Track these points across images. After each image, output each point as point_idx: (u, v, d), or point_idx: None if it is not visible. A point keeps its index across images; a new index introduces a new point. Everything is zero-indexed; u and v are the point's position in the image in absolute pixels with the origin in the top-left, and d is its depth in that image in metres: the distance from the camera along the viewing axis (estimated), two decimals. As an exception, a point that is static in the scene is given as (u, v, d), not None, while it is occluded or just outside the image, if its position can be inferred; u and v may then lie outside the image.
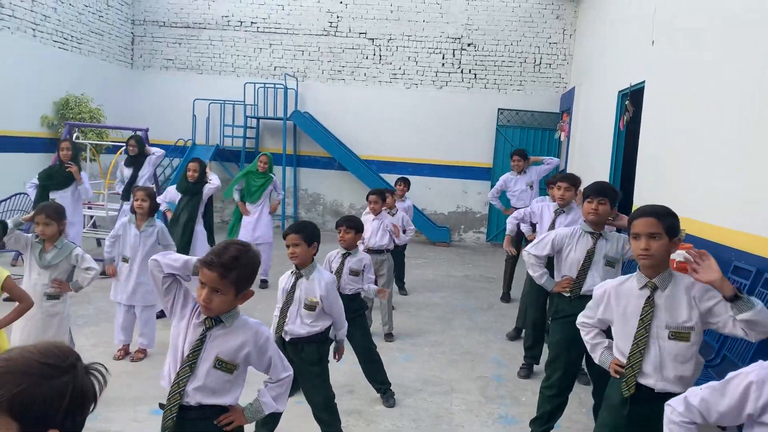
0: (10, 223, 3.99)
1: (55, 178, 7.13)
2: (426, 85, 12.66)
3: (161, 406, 2.36)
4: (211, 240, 6.84)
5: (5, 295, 3.56)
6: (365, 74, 12.77)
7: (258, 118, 12.67)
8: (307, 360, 3.53)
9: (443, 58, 12.59)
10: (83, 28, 11.52)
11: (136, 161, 7.99)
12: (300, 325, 3.50)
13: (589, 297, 3.65)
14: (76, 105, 10.73)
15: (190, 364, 2.30)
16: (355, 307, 4.41)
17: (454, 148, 12.55)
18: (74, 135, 9.38)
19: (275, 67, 12.97)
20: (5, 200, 8.32)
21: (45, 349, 1.28)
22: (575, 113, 10.61)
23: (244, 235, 7.45)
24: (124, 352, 5.10)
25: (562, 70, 12.39)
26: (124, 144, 8.37)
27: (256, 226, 7.55)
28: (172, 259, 2.37)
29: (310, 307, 3.47)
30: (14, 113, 9.77)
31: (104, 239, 9.20)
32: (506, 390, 4.96)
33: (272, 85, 12.45)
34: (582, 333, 3.01)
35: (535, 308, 5.35)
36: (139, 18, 13.15)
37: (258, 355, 2.39)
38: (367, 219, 5.93)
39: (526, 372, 5.29)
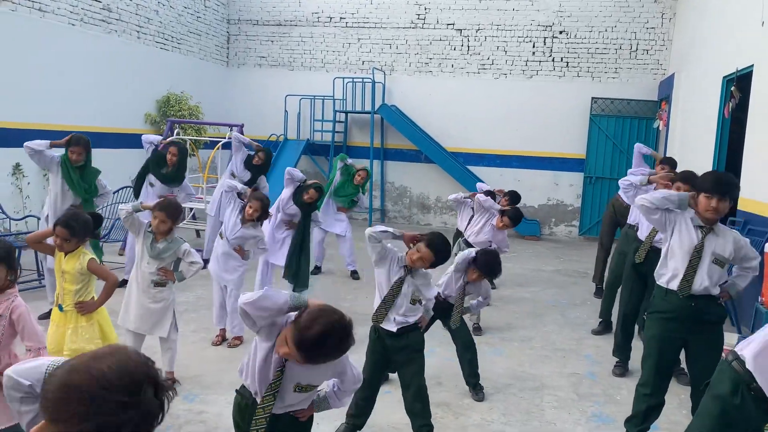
0: (130, 206, 4.25)
1: (159, 167, 7.37)
2: (515, 75, 12.40)
3: (238, 393, 2.53)
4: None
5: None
6: (453, 66, 12.67)
7: (346, 113, 12.85)
8: (414, 346, 3.58)
9: (533, 47, 12.29)
10: (183, 29, 12.09)
11: (257, 170, 8.26)
12: (405, 315, 3.54)
13: (698, 296, 3.47)
14: (176, 102, 11.29)
15: (273, 392, 2.37)
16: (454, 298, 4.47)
17: (544, 138, 12.24)
18: (175, 131, 9.86)
19: (363, 62, 13.10)
20: (114, 193, 8.85)
21: (118, 373, 1.21)
22: (675, 101, 10.07)
23: (326, 227, 7.71)
24: (222, 338, 5.32)
25: (661, 56, 11.80)
26: (224, 138, 8.70)
27: (335, 223, 7.82)
28: (262, 308, 2.23)
29: (417, 301, 3.53)
30: (120, 111, 10.40)
31: (203, 230, 9.65)
32: (600, 388, 4.80)
33: (360, 80, 12.59)
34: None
35: (627, 302, 5.15)
36: (234, 17, 13.65)
37: (335, 375, 2.50)
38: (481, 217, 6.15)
39: (622, 370, 5.09)
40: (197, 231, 10.08)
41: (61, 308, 3.65)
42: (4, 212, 7.58)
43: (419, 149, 12.45)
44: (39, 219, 7.72)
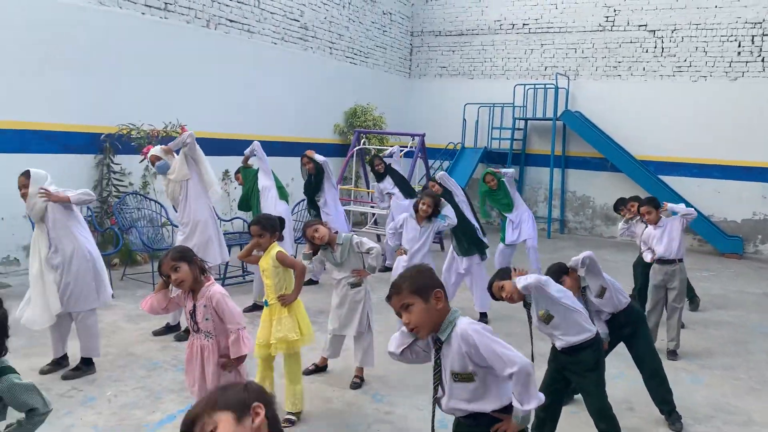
0: (303, 258, 4.41)
1: (308, 186, 7.85)
2: (717, 78, 11.35)
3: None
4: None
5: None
6: (644, 69, 11.92)
7: (526, 120, 12.65)
8: (585, 365, 3.44)
9: (739, 46, 11.17)
10: (370, 43, 12.68)
11: (385, 175, 8.57)
12: (561, 336, 3.41)
13: None
14: (362, 113, 11.87)
15: (435, 385, 2.42)
16: (634, 317, 4.12)
17: (751, 146, 11.05)
18: (362, 141, 10.37)
19: (546, 67, 12.79)
20: (302, 201, 9.50)
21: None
22: None
23: (510, 237, 7.53)
24: (405, 342, 5.47)
25: None
26: (407, 147, 9.04)
27: (521, 228, 7.60)
28: None
29: (549, 317, 3.36)
30: (312, 122, 11.16)
31: (383, 235, 10.02)
32: (824, 431, 4.21)
33: (542, 86, 12.31)
34: None
35: None
36: (417, 30, 14.04)
37: (475, 354, 2.31)
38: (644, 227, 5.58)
39: None
40: (378, 236, 10.49)
41: (266, 303, 3.99)
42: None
43: (604, 157, 11.88)
44: (245, 221, 8.54)
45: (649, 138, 11.80)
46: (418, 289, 2.32)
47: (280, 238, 4.07)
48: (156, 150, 5.55)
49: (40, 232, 4.47)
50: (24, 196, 4.41)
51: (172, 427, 3.78)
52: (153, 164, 5.59)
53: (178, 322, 5.53)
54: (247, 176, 6.96)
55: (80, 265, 4.44)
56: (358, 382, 4.54)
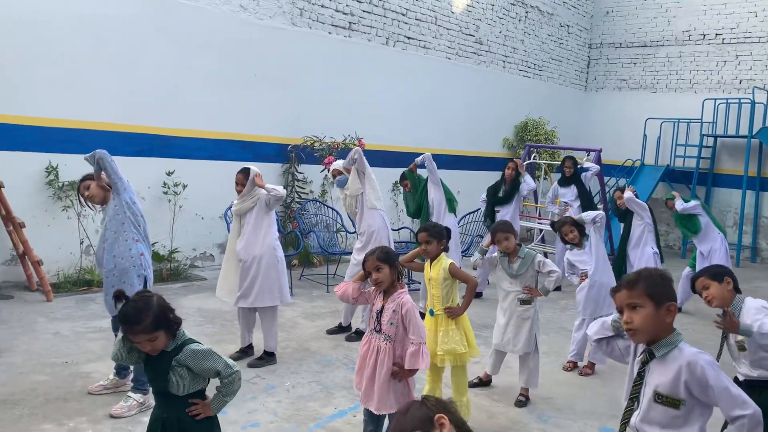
0: (477, 253, 4.60)
1: (499, 194, 7.84)
2: None
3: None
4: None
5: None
6: None
7: (716, 137, 11.66)
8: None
9: None
10: (545, 56, 12.46)
11: (572, 181, 8.30)
12: (746, 366, 3.11)
13: None
14: (533, 128, 11.68)
15: (631, 397, 2.28)
16: None
17: None
18: (532, 155, 10.19)
19: (740, 81, 11.72)
20: (472, 213, 9.55)
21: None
22: None
23: (699, 267, 7.03)
24: (573, 365, 5.29)
25: None
26: (582, 162, 8.77)
27: (710, 260, 7.03)
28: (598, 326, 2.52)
29: (739, 347, 3.10)
30: (482, 136, 11.19)
31: (552, 253, 9.75)
32: None
33: (736, 101, 11.28)
34: None
35: None
36: (596, 42, 13.55)
37: (700, 388, 2.12)
38: None
39: None
40: (545, 254, 10.21)
41: (432, 313, 4.05)
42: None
43: (809, 180, 10.61)
44: (411, 231, 8.78)
45: None
46: (655, 294, 2.17)
47: (446, 249, 4.12)
48: (338, 164, 5.91)
49: (238, 227, 4.91)
50: (239, 192, 4.84)
51: (343, 422, 4.00)
52: (335, 177, 5.96)
53: (350, 324, 5.82)
54: (416, 184, 6.89)
55: (269, 263, 4.83)
56: (523, 401, 4.46)
